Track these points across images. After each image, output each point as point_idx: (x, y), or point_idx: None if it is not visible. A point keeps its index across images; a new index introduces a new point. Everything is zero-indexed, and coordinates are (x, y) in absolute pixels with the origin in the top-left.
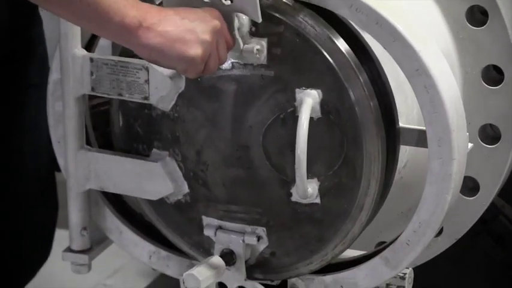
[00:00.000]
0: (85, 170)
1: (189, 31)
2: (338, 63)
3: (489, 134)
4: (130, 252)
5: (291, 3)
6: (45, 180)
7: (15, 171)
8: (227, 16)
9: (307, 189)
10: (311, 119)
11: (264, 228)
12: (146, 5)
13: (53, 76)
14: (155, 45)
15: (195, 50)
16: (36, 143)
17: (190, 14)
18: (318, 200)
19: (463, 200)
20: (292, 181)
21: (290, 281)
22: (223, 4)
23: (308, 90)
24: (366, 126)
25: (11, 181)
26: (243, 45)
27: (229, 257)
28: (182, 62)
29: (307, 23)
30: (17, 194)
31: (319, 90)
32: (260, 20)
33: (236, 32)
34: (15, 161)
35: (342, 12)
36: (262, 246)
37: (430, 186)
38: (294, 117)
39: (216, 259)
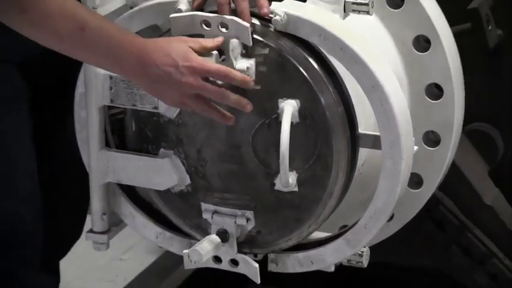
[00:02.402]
0: (104, 167)
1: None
2: (312, 78)
3: (431, 139)
4: (141, 233)
5: (273, 31)
6: (84, 173)
7: (66, 163)
8: (224, 41)
9: (289, 180)
10: (291, 123)
11: (252, 212)
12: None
13: (79, 89)
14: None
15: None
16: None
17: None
18: (296, 189)
19: (410, 192)
20: (276, 173)
21: (270, 257)
22: (221, 31)
23: (288, 100)
24: (335, 128)
25: (61, 170)
26: (236, 64)
27: (223, 235)
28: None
29: (287, 46)
30: (65, 182)
31: (297, 100)
32: (251, 44)
33: (230, 53)
34: (67, 155)
35: (313, 39)
36: (250, 226)
37: (383, 180)
38: (277, 122)
39: (214, 237)
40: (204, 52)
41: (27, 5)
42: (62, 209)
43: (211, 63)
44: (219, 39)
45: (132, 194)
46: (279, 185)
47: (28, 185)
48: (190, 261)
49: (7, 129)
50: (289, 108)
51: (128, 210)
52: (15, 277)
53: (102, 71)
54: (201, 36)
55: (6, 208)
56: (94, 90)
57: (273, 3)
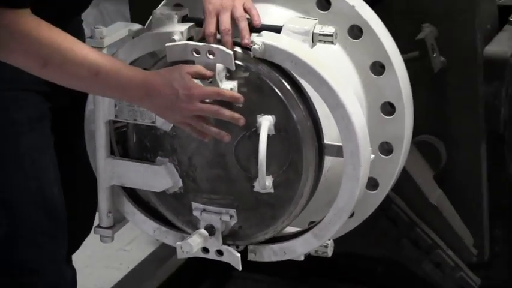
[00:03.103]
0: (110, 172)
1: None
2: (286, 97)
3: (385, 149)
4: (141, 228)
5: (253, 58)
6: (93, 178)
7: (78, 170)
8: (211, 66)
9: (266, 183)
10: (268, 135)
11: (235, 210)
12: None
13: (89, 107)
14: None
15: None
16: None
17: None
18: (272, 190)
19: (368, 194)
20: (255, 177)
21: (249, 248)
22: (209, 58)
23: (265, 116)
24: (305, 140)
25: (75, 176)
26: (221, 85)
27: (210, 229)
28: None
29: (265, 70)
30: (78, 186)
31: (273, 116)
32: (234, 68)
33: (216, 76)
34: (80, 163)
35: (286, 65)
36: (233, 222)
37: (345, 184)
38: (256, 135)
39: (202, 231)
40: (198, 77)
41: (47, 60)
42: (76, 209)
43: (205, 88)
44: (211, 72)
45: (133, 195)
46: (257, 187)
47: (56, 190)
48: (183, 251)
49: (34, 143)
50: (266, 123)
51: (129, 208)
52: (45, 272)
53: None
54: (192, 61)
55: (42, 212)
56: (101, 108)
57: (252, 34)
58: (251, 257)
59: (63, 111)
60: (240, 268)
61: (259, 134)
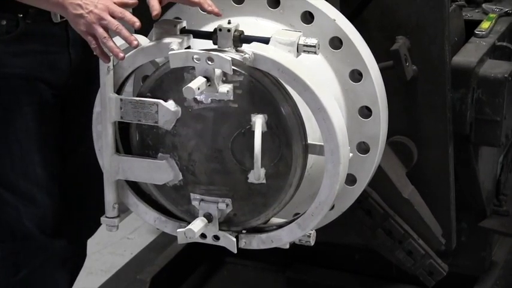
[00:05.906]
0: (116, 167)
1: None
2: (277, 97)
3: (362, 148)
4: (143, 218)
5: (246, 64)
6: (101, 174)
7: (95, 164)
8: (210, 71)
9: (261, 174)
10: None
11: (230, 199)
12: None
13: (96, 109)
14: None
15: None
16: None
17: None
18: (264, 181)
19: (346, 188)
20: (249, 170)
21: (240, 237)
22: (208, 64)
23: (259, 114)
24: (294, 135)
25: (93, 171)
26: (218, 88)
27: (208, 217)
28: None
29: (257, 74)
30: (91, 183)
31: (265, 114)
32: (232, 73)
33: (215, 80)
34: (93, 155)
35: (274, 73)
36: (229, 210)
37: (326, 179)
38: (251, 132)
39: (202, 219)
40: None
41: None
42: (89, 203)
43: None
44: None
45: (137, 188)
46: (251, 178)
47: (41, 173)
48: (186, 237)
49: (23, 127)
50: (259, 121)
51: (132, 200)
52: (25, 236)
53: (114, 95)
54: (192, 67)
55: (22, 188)
56: (108, 110)
57: (244, 44)
58: (242, 244)
59: (74, 109)
60: (235, 251)
61: (253, 131)
